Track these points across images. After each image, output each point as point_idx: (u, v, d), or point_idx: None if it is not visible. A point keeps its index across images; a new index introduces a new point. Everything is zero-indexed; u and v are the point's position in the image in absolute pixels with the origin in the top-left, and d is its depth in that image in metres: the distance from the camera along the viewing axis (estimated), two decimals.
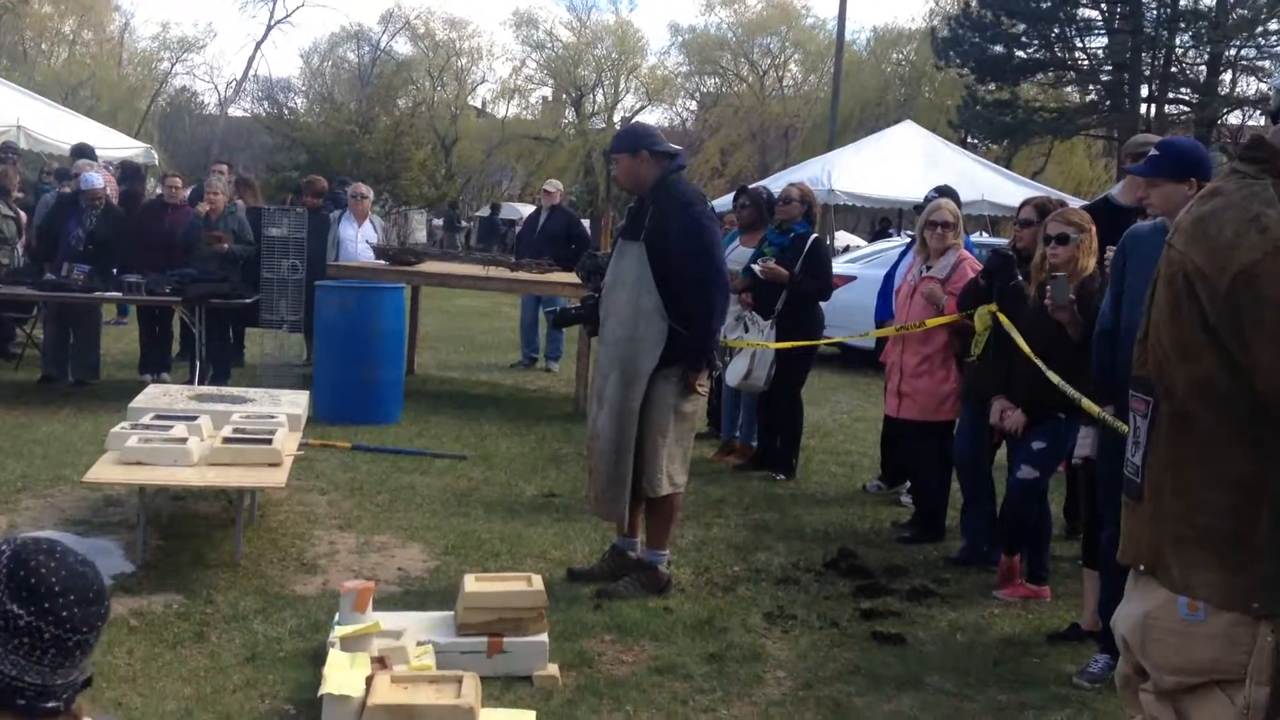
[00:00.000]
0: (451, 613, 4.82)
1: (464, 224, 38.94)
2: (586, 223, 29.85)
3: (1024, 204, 6.64)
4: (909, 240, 9.09)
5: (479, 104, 54.42)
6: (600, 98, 52.19)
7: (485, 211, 41.71)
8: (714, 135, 49.53)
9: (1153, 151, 4.60)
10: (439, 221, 39.69)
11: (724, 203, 14.63)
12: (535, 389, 11.90)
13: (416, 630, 4.59)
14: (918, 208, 8.31)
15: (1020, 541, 6.01)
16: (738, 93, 51.76)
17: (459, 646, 4.57)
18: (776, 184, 13.56)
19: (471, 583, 4.80)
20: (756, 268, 8.33)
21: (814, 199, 8.83)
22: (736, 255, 8.89)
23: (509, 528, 6.61)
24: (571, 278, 9.92)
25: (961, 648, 5.20)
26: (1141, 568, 2.42)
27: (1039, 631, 5.46)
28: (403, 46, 51.16)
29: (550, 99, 53.56)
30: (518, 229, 19.65)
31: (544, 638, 4.63)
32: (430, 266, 11.41)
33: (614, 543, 5.91)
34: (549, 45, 51.49)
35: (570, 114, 51.90)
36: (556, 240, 12.56)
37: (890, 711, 4.48)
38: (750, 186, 10.09)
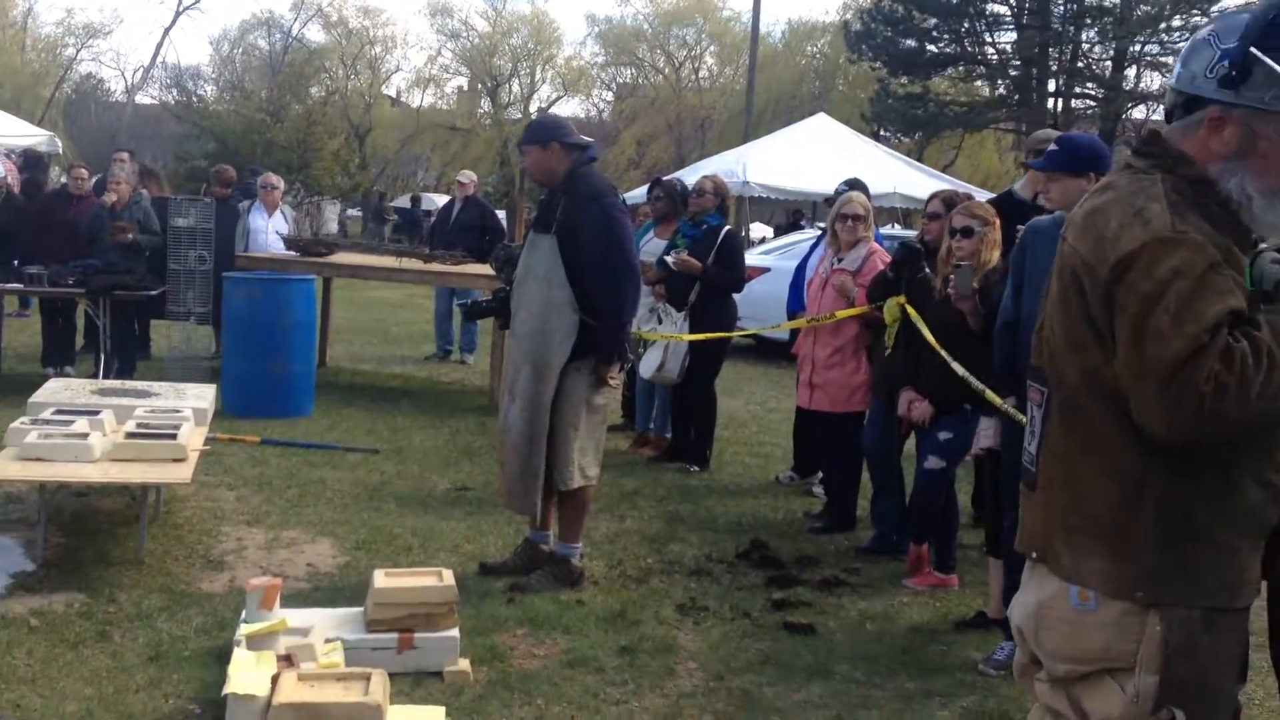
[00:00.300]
0: (361, 609, 4.77)
1: (391, 216, 38.51)
2: (503, 214, 29.72)
3: (932, 197, 6.73)
4: (820, 232, 9.17)
5: (393, 93, 54.00)
6: (516, 88, 52.06)
7: (406, 203, 41.34)
8: (630, 126, 49.59)
9: (1051, 147, 4.71)
10: (354, 211, 39.24)
11: (639, 194, 14.64)
12: (449, 381, 11.82)
13: (325, 627, 4.54)
14: (829, 200, 8.39)
15: (928, 531, 6.09)
16: (654, 84, 51.88)
17: (368, 643, 4.52)
18: (693, 175, 13.62)
19: (381, 578, 4.75)
20: (670, 260, 8.36)
21: (727, 191, 8.88)
22: (651, 247, 8.91)
23: (421, 522, 6.57)
24: (485, 269, 9.87)
25: (871, 636, 5.26)
26: (1034, 555, 2.46)
27: (946, 619, 5.54)
28: (315, 34, 50.57)
29: (466, 89, 53.32)
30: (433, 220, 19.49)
31: (455, 633, 4.61)
32: (342, 258, 11.29)
33: (526, 536, 5.90)
34: (464, 34, 51.25)
35: (486, 104, 51.68)
36: (470, 231, 12.48)
37: (800, 701, 4.52)
38: (664, 178, 10.11)
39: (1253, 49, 2.21)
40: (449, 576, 4.76)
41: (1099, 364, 2.26)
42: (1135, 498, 2.25)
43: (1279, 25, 2.22)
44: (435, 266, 10.85)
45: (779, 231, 25.06)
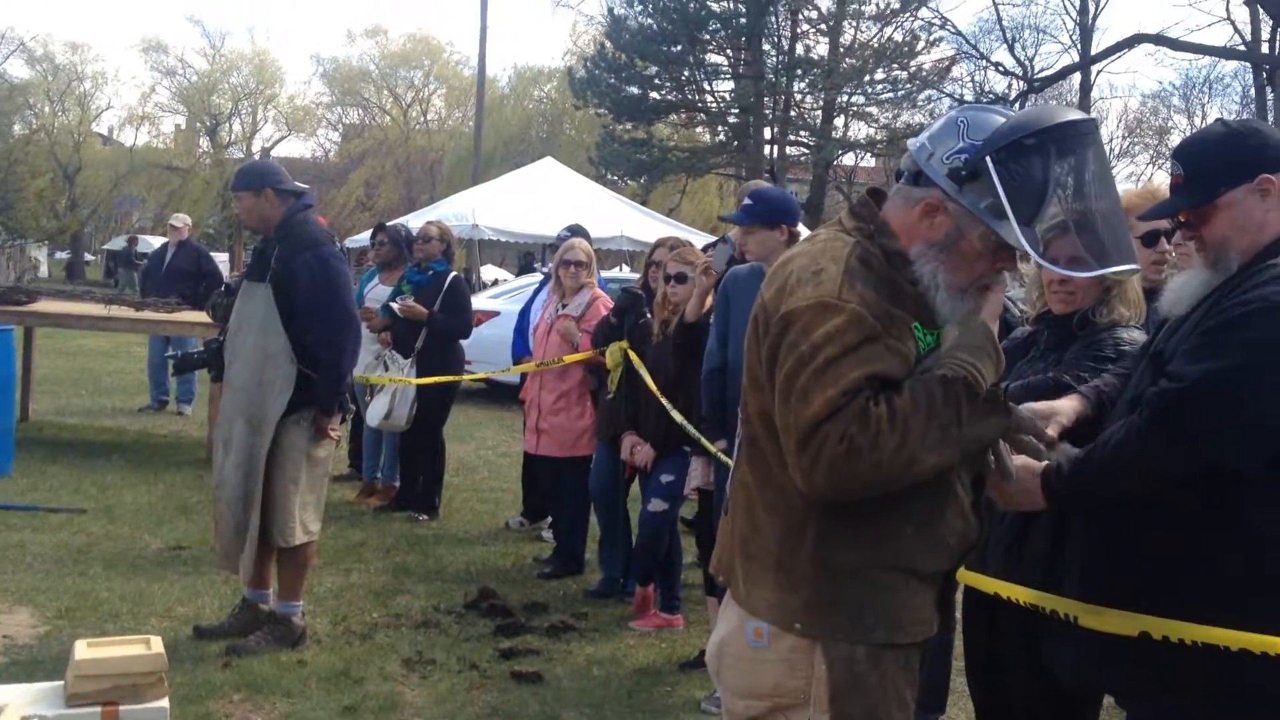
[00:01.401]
0: (62, 683, 4.49)
1: (141, 261, 36.46)
2: (225, 257, 28.74)
3: (657, 245, 6.87)
4: (544, 277, 9.24)
5: (105, 131, 51.54)
6: (237, 127, 50.62)
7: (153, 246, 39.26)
8: (358, 168, 48.86)
9: (746, 201, 4.92)
10: (63, 254, 37.20)
11: (365, 238, 14.44)
12: (165, 434, 11.30)
13: (20, 704, 4.24)
14: (553, 246, 8.49)
15: (653, 572, 6.19)
16: (382, 125, 51.35)
17: (69, 719, 4.25)
18: (422, 218, 13.54)
19: (83, 649, 4.46)
20: (395, 306, 8.26)
21: (452, 237, 8.85)
22: (376, 294, 8.81)
23: (131, 585, 6.23)
24: (202, 317, 9.52)
25: (598, 681, 5.29)
26: (721, 579, 2.57)
27: (671, 660, 5.63)
28: (18, 69, 47.68)
29: (183, 127, 51.40)
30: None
31: (164, 703, 4.36)
32: (44, 306, 10.64)
33: (244, 596, 5.68)
34: (181, 72, 49.56)
35: (205, 143, 50.00)
36: (185, 277, 11.98)
37: None
38: (389, 224, 10.01)
39: (988, 157, 2.28)
40: (158, 644, 4.51)
41: (771, 406, 2.36)
42: (798, 534, 2.36)
43: (1021, 147, 2.28)
44: (147, 314, 10.38)
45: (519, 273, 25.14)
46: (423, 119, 51.89)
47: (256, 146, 49.91)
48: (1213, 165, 2.64)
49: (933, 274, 2.36)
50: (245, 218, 5.67)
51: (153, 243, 29.72)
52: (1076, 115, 2.37)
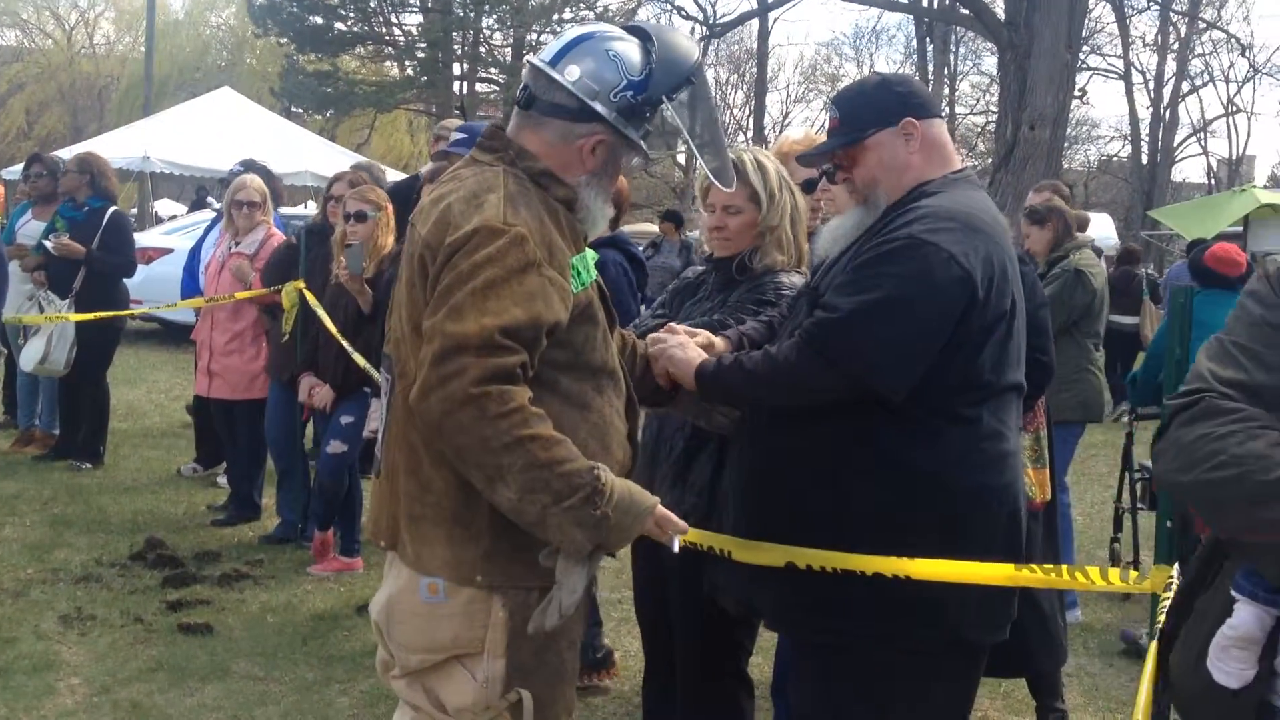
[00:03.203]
0: None
1: None
2: None
3: (335, 179, 6.65)
4: (216, 214, 8.84)
5: None
6: None
7: None
8: (19, 94, 45.28)
9: (457, 135, 4.89)
10: None
11: (19, 170, 13.44)
12: None
13: None
14: (225, 180, 8.15)
15: (333, 515, 6.07)
16: (43, 49, 47.71)
17: None
18: (91, 148, 12.68)
19: None
20: (49, 244, 7.74)
21: (96, 168, 8.30)
22: (28, 230, 8.26)
23: None
24: None
25: (271, 629, 5.15)
26: (383, 544, 2.51)
27: (350, 604, 5.54)
28: None
29: None
30: None
31: None
32: None
33: None
34: None
35: None
36: None
37: (193, 706, 4.34)
38: (46, 155, 9.36)
39: (664, 98, 2.43)
40: None
41: None
42: (473, 487, 2.31)
43: (687, 84, 2.47)
44: None
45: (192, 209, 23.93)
46: (89, 43, 48.57)
47: None
48: (864, 109, 2.79)
49: (592, 196, 2.49)
50: None
51: None
52: (695, 45, 2.56)
